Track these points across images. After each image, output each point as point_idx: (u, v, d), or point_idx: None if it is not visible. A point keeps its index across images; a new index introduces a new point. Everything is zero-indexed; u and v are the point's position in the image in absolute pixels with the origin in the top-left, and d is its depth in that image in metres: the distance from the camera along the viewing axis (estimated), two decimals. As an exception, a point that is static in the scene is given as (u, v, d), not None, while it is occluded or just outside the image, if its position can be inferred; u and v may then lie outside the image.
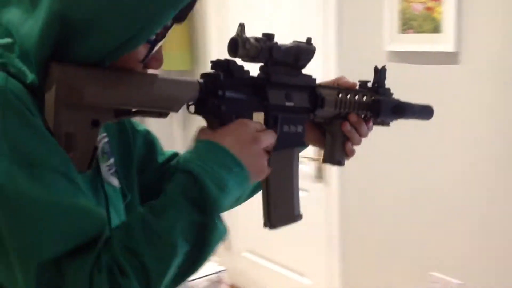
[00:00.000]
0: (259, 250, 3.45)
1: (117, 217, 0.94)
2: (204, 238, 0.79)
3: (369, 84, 1.18)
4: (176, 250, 0.76)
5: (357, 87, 1.15)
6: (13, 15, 0.77)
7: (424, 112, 1.25)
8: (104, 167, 0.93)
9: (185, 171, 0.80)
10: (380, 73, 1.18)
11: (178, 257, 0.77)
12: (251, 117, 0.94)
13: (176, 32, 3.36)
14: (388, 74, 2.31)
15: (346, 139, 1.11)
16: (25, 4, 0.77)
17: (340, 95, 1.08)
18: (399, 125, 2.37)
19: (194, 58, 3.61)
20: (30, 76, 0.74)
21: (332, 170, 2.87)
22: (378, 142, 2.56)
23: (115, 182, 0.96)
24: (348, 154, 1.13)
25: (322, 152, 1.15)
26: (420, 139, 2.48)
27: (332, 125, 1.10)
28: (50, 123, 0.74)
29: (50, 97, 0.74)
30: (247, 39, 0.91)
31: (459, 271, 2.41)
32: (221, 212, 0.83)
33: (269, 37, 0.94)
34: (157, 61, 0.87)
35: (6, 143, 0.68)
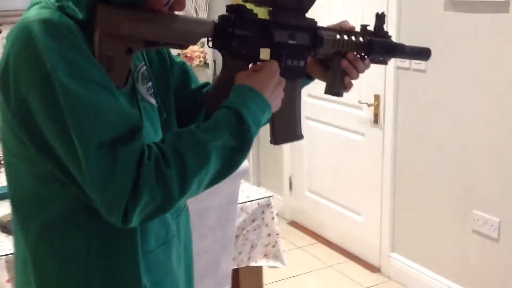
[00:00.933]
0: (320, 190, 3.67)
1: (152, 129, 1.16)
2: (233, 159, 1.02)
3: (371, 28, 1.33)
4: (210, 160, 0.98)
5: (359, 30, 1.31)
6: None
7: (417, 53, 1.39)
8: (143, 89, 1.16)
9: (231, 108, 1.03)
10: (379, 18, 1.32)
11: (210, 168, 0.99)
12: (258, 52, 1.13)
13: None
14: (444, 22, 2.42)
15: (345, 74, 1.26)
16: None
17: (339, 36, 1.24)
18: (451, 71, 2.50)
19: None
20: (81, 15, 0.98)
21: (387, 115, 3.02)
22: (429, 89, 2.69)
23: (152, 101, 1.19)
24: (347, 86, 1.28)
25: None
26: (471, 84, 2.57)
27: (333, 61, 1.26)
28: (96, 50, 0.98)
29: (96, 30, 0.98)
30: None
31: (498, 209, 2.53)
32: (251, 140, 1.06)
33: None
34: (180, 4, 1.07)
35: (62, 60, 0.92)
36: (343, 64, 1.25)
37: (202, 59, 3.74)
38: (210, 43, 1.11)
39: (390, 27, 2.89)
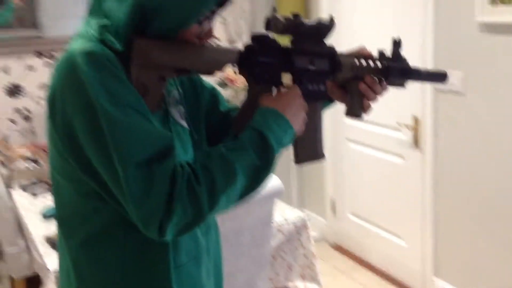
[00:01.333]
0: (362, 213, 3.68)
1: (183, 150, 1.24)
2: (258, 177, 1.10)
3: (389, 54, 1.38)
4: (236, 177, 1.06)
5: (377, 55, 1.36)
6: (110, 4, 1.10)
7: (434, 76, 1.45)
8: (175, 112, 1.25)
9: (256, 129, 1.12)
10: (395, 44, 1.38)
11: (237, 185, 1.07)
12: (280, 77, 1.21)
13: (292, 2, 3.68)
14: (479, 45, 2.44)
15: (363, 96, 1.33)
16: None
17: (357, 61, 1.31)
18: (488, 93, 2.50)
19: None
20: (119, 46, 1.08)
21: (427, 138, 3.02)
22: (468, 111, 2.69)
23: (184, 123, 1.28)
24: (365, 109, 1.34)
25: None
26: (509, 107, 2.56)
27: (351, 85, 1.33)
28: (132, 78, 1.08)
29: (132, 59, 1.08)
30: (276, 18, 1.18)
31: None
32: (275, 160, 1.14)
33: (296, 16, 1.19)
34: (209, 36, 1.17)
35: (102, 88, 1.02)
36: (361, 87, 1.31)
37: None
38: (237, 69, 1.20)
39: (428, 50, 2.92)
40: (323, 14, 3.73)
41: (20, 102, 3.59)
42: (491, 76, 2.63)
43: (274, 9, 1.22)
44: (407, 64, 1.37)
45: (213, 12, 1.14)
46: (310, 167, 4.13)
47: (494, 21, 2.55)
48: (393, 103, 3.21)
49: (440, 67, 2.87)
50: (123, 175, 1.00)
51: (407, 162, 3.22)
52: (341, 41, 3.58)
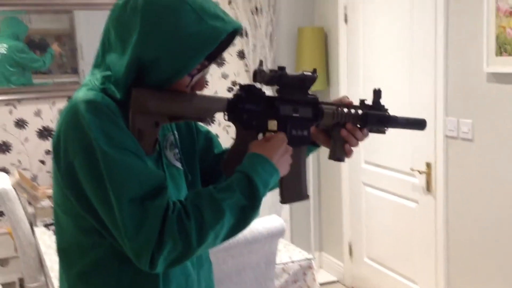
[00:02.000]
0: (377, 257, 3.71)
1: (176, 190, 1.34)
2: (245, 216, 1.19)
3: (369, 102, 1.47)
4: (224, 215, 1.15)
5: (359, 103, 1.45)
6: (112, 57, 1.23)
7: (412, 124, 1.50)
8: (170, 154, 1.36)
9: (243, 172, 1.21)
10: (376, 93, 1.47)
11: (225, 223, 1.17)
12: (266, 124, 1.32)
13: (314, 58, 3.82)
14: (486, 94, 2.51)
15: (345, 142, 1.41)
16: (118, 51, 1.22)
17: (338, 109, 1.40)
18: (496, 140, 2.56)
19: (328, 80, 4.02)
20: (119, 95, 1.20)
21: (439, 183, 3.07)
22: (477, 157, 2.75)
23: (178, 165, 1.38)
24: (347, 153, 1.43)
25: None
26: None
27: (334, 131, 1.42)
28: (129, 124, 1.20)
29: (130, 107, 1.20)
30: (262, 70, 1.29)
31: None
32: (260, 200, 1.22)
33: (281, 68, 1.30)
34: (200, 86, 1.28)
35: (101, 133, 1.13)
36: (343, 133, 1.40)
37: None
38: (226, 117, 1.30)
39: (438, 99, 3.00)
40: (342, 58, 3.85)
41: (50, 144, 3.78)
42: (499, 123, 2.69)
43: (261, 62, 1.33)
44: (385, 112, 1.45)
45: (203, 66, 1.25)
46: (328, 211, 4.19)
47: (501, 71, 2.62)
48: (407, 150, 3.29)
49: (451, 115, 2.95)
50: (118, 211, 1.10)
51: (420, 206, 3.26)
52: (357, 81, 3.71)
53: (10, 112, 3.71)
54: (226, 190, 1.18)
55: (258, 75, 1.29)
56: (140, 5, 1.18)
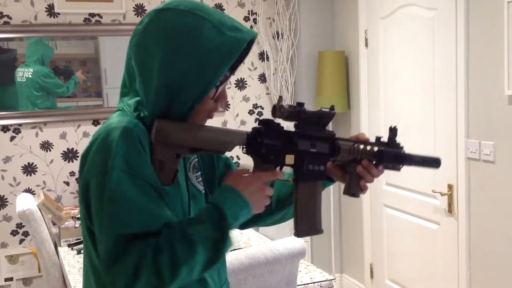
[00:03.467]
0: (399, 279, 3.68)
1: (197, 210, 1.37)
2: (217, 248, 1.20)
3: (385, 139, 1.46)
4: (196, 249, 1.17)
5: (375, 140, 1.45)
6: (139, 85, 1.27)
7: (427, 162, 1.49)
8: (193, 177, 1.41)
9: (213, 204, 1.22)
10: (392, 131, 1.46)
11: (198, 256, 1.16)
12: (284, 158, 1.33)
13: (335, 82, 3.85)
14: (508, 117, 2.51)
15: (360, 178, 1.42)
16: (144, 78, 1.25)
17: (355, 145, 1.41)
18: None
19: (349, 103, 4.04)
20: (148, 122, 1.25)
21: (461, 205, 3.06)
22: (499, 179, 2.74)
23: (200, 187, 1.43)
24: (363, 189, 1.43)
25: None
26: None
27: (350, 166, 1.43)
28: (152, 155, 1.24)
29: (153, 138, 1.24)
30: (282, 106, 1.31)
31: None
32: (231, 232, 1.24)
33: (300, 104, 1.33)
34: (223, 97, 1.33)
35: (125, 160, 1.17)
36: (358, 169, 1.40)
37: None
38: (244, 150, 1.33)
39: (460, 121, 3.00)
40: (362, 81, 3.88)
41: (75, 166, 3.85)
42: (520, 144, 2.68)
43: (280, 98, 1.36)
44: (401, 149, 1.45)
45: (225, 77, 1.30)
46: (349, 232, 4.18)
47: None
48: (428, 172, 3.28)
49: (472, 137, 2.95)
50: (105, 239, 1.15)
51: (442, 228, 3.25)
52: (378, 105, 3.73)
53: (36, 135, 3.79)
54: (197, 223, 1.21)
55: (277, 110, 1.32)
56: (161, 28, 1.22)
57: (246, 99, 4.31)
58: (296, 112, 1.32)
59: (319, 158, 1.37)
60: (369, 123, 3.83)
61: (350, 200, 4.12)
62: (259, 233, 3.30)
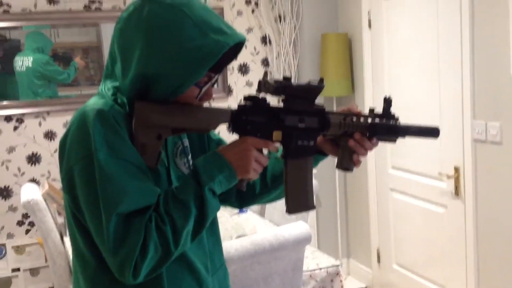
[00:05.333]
0: (406, 263, 3.67)
1: None
2: (202, 206, 1.20)
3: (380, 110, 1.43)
4: (190, 209, 1.18)
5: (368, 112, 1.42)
6: (118, 70, 1.26)
7: (423, 132, 1.45)
8: (181, 162, 1.38)
9: (195, 165, 1.23)
10: (386, 102, 1.43)
11: (191, 217, 1.18)
12: (271, 135, 1.31)
13: (339, 64, 3.82)
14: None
15: (353, 151, 1.39)
16: (123, 64, 1.23)
17: (346, 119, 1.38)
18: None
19: (353, 85, 4.01)
20: (127, 108, 1.23)
21: (468, 187, 3.03)
22: (506, 161, 2.71)
23: (186, 172, 1.39)
24: (355, 163, 1.40)
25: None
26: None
27: (342, 140, 1.40)
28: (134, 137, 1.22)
29: (133, 120, 1.22)
30: (266, 81, 1.29)
31: None
32: (216, 192, 1.23)
33: (286, 79, 1.30)
34: (208, 96, 1.30)
35: (105, 143, 1.16)
36: (350, 143, 1.37)
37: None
38: (230, 128, 1.31)
39: (465, 102, 2.97)
40: (366, 63, 3.84)
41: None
42: (527, 125, 2.64)
43: (265, 73, 1.33)
44: (396, 121, 1.41)
45: (210, 77, 1.27)
46: (355, 217, 4.17)
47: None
48: (434, 154, 3.25)
49: (479, 118, 2.91)
50: (106, 223, 1.14)
51: (449, 211, 3.22)
52: (382, 86, 3.69)
53: (40, 124, 3.78)
54: (182, 185, 1.21)
55: (262, 86, 1.29)
56: (143, 19, 1.20)
57: (249, 83, 4.27)
58: (282, 87, 1.29)
59: (308, 134, 1.35)
60: (374, 106, 3.79)
61: (356, 184, 4.10)
62: (264, 219, 3.29)
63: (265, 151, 1.32)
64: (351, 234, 4.27)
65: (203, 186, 1.20)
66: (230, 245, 2.01)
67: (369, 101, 3.83)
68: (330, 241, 4.22)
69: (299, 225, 2.10)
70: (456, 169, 3.11)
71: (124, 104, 1.24)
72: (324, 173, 4.07)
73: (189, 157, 1.41)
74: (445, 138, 3.13)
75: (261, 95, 1.31)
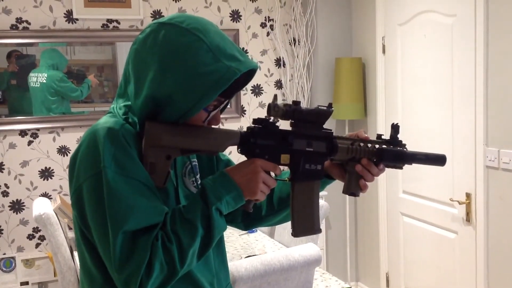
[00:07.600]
0: (415, 287, 3.65)
1: None
2: (209, 226, 1.21)
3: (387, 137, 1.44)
4: (196, 229, 1.19)
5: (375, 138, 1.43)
6: (131, 90, 1.28)
7: (430, 160, 1.45)
8: (189, 182, 1.40)
9: (203, 185, 1.24)
10: (394, 128, 1.43)
11: (198, 237, 1.19)
12: (279, 158, 1.32)
13: (352, 88, 3.84)
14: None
15: (360, 177, 1.40)
16: (136, 85, 1.25)
17: (353, 144, 1.39)
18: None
19: (366, 109, 4.02)
20: (138, 127, 1.25)
21: (479, 214, 3.02)
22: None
23: (194, 191, 1.40)
24: (362, 188, 1.41)
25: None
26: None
27: (349, 165, 1.39)
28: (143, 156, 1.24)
29: (143, 140, 1.24)
30: (276, 104, 1.30)
31: None
32: (222, 212, 1.24)
33: (295, 103, 1.32)
34: (216, 121, 1.32)
35: (114, 161, 1.18)
36: (358, 168, 1.38)
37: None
38: (239, 150, 1.32)
39: (478, 129, 2.97)
40: (379, 88, 3.86)
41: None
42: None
43: (275, 97, 1.35)
44: (403, 147, 1.42)
45: (219, 102, 1.29)
46: (365, 240, 4.15)
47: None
48: (446, 180, 3.25)
49: (491, 146, 2.91)
50: (112, 240, 1.15)
51: (460, 237, 3.21)
52: (395, 111, 3.70)
53: (54, 140, 3.82)
54: (190, 205, 1.22)
55: (272, 109, 1.30)
56: (159, 42, 1.22)
57: (262, 105, 4.30)
58: (291, 111, 1.31)
59: (316, 158, 1.36)
60: (386, 131, 3.80)
61: (366, 208, 4.09)
62: (274, 240, 3.29)
63: (272, 174, 1.33)
64: (360, 258, 4.25)
65: (210, 206, 1.21)
66: (240, 264, 2.01)
67: (382, 125, 3.85)
68: (339, 264, 4.20)
69: (310, 247, 2.10)
70: (468, 195, 3.10)
71: (135, 124, 1.26)
72: (334, 196, 4.07)
73: (198, 176, 1.42)
74: (457, 164, 3.13)
75: (271, 118, 1.32)
